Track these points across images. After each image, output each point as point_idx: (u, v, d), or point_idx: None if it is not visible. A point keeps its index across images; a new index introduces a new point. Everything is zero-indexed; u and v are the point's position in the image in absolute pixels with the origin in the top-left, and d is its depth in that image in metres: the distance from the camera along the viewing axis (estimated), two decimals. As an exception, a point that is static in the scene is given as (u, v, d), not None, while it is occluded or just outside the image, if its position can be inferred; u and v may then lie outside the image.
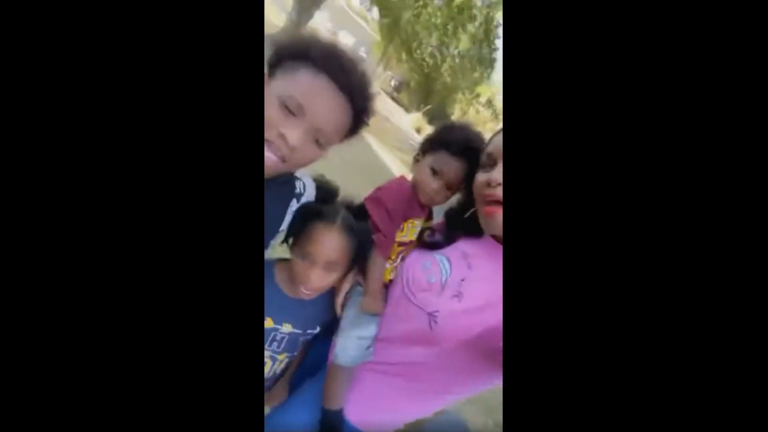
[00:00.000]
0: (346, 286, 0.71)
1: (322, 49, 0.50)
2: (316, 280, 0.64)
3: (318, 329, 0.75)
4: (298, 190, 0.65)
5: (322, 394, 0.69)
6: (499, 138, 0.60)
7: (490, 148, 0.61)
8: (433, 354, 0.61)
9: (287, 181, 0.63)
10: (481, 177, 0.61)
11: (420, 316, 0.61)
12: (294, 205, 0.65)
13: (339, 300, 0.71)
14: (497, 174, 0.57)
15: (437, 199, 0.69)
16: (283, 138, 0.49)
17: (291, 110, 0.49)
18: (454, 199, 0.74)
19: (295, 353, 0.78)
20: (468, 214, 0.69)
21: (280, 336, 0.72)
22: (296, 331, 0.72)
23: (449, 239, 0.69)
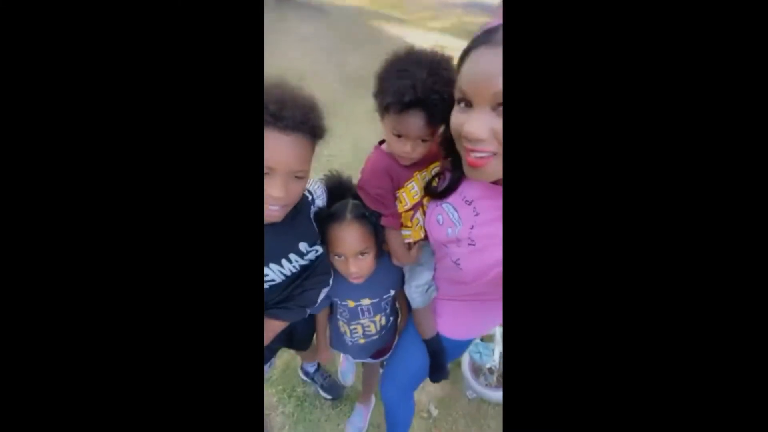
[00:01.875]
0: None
1: (270, 111, 0.52)
2: (356, 269, 0.73)
3: (392, 291, 0.86)
4: (310, 198, 0.72)
5: (417, 328, 0.85)
6: (471, 73, 0.47)
7: (461, 83, 0.49)
8: (475, 286, 0.65)
9: (300, 200, 0.69)
10: (458, 119, 0.50)
11: (451, 265, 0.66)
12: (314, 211, 0.73)
13: (395, 257, 0.79)
14: (475, 126, 0.47)
15: (416, 156, 0.63)
16: (270, 197, 0.56)
17: (265, 171, 0.54)
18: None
19: (388, 309, 0.92)
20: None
21: (365, 308, 0.86)
22: (374, 300, 0.85)
23: (455, 181, 0.65)
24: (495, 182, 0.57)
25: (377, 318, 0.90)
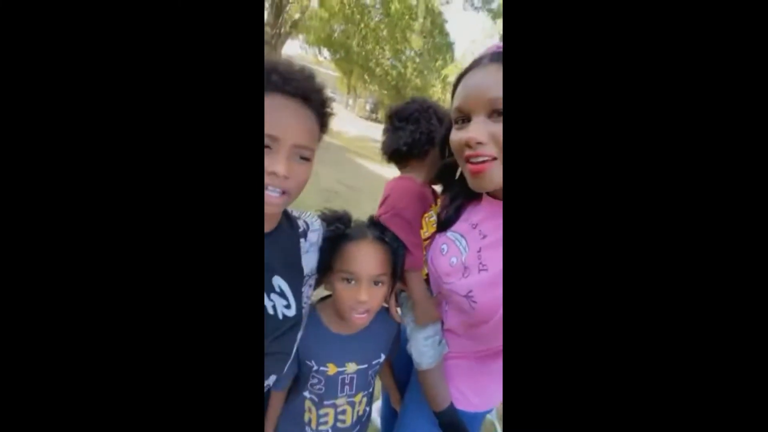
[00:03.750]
0: (392, 299, 0.71)
1: (279, 73, 0.50)
2: (368, 297, 0.62)
3: (383, 356, 0.72)
4: (301, 229, 0.64)
5: (428, 401, 0.67)
6: (466, 88, 0.53)
7: (456, 103, 0.54)
8: (493, 329, 0.56)
9: (287, 225, 0.62)
10: (456, 135, 0.54)
11: (462, 301, 0.59)
12: (304, 245, 0.64)
13: (393, 310, 0.71)
14: (474, 132, 0.51)
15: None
16: (273, 174, 0.48)
17: (265, 145, 0.48)
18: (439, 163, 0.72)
19: (371, 389, 0.74)
20: (458, 174, 0.65)
21: (348, 377, 0.69)
22: (362, 366, 0.69)
23: (457, 209, 0.66)
24: (497, 198, 0.59)
25: (357, 398, 0.71)
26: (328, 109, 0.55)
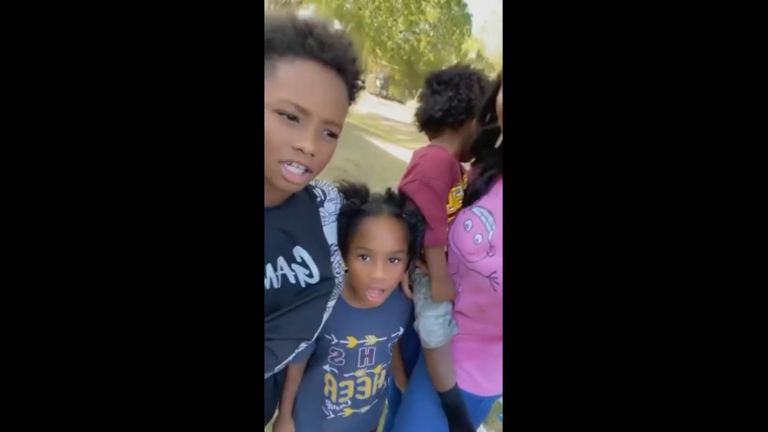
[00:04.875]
0: (405, 275, 0.68)
1: (315, 37, 0.45)
2: (383, 275, 0.60)
3: (401, 329, 0.71)
4: (319, 198, 0.61)
5: (432, 380, 0.66)
6: None
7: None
8: None
9: (305, 196, 0.59)
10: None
11: (483, 281, 0.56)
12: (323, 214, 0.61)
13: (405, 284, 0.69)
14: None
15: None
16: (300, 151, 0.45)
17: (293, 117, 0.44)
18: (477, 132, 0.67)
19: (389, 362, 0.74)
20: (498, 143, 0.60)
21: (368, 349, 0.68)
22: (381, 339, 0.69)
23: (488, 181, 0.61)
24: None
25: (377, 370, 0.71)
26: (360, 82, 0.51)
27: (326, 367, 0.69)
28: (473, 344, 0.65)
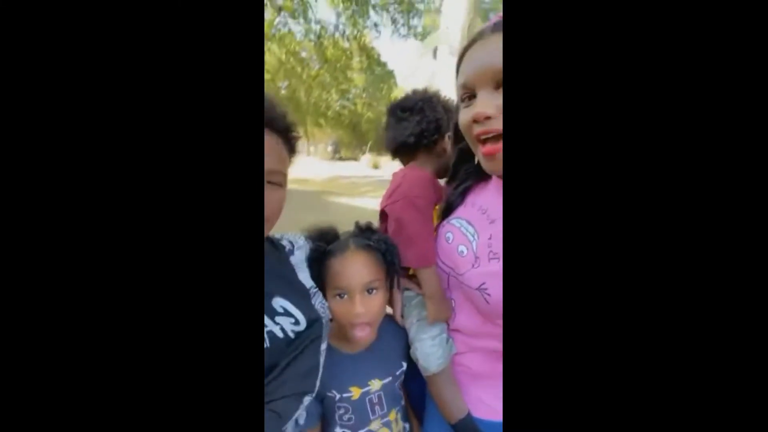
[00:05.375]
0: (398, 297, 0.66)
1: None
2: (363, 308, 0.58)
3: (404, 364, 0.68)
4: (287, 248, 0.61)
5: (442, 412, 0.61)
6: (470, 63, 0.52)
7: (461, 80, 0.53)
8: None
9: (271, 248, 0.60)
10: (464, 114, 0.52)
11: (474, 294, 0.55)
12: (295, 261, 0.61)
13: (398, 312, 0.66)
14: (481, 106, 0.49)
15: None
16: None
17: None
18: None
19: (402, 403, 0.69)
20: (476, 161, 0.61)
21: (376, 396, 0.64)
22: (386, 380, 0.65)
23: (463, 192, 0.63)
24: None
25: (392, 417, 0.66)
26: (294, 133, 0.56)
27: (338, 429, 0.63)
28: (477, 364, 0.61)
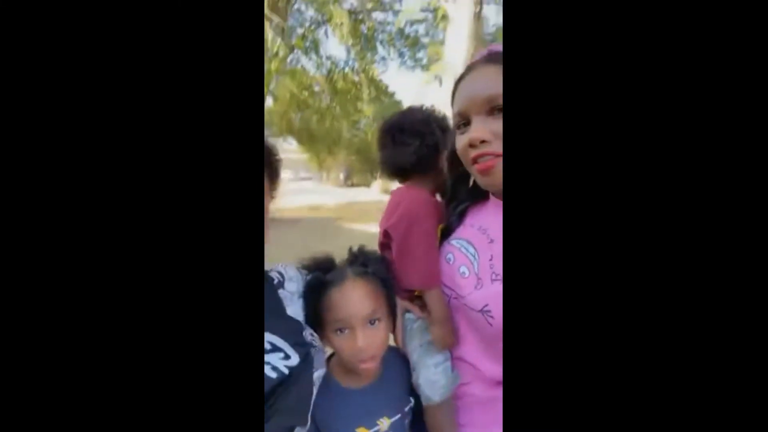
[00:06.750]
0: (399, 322, 0.65)
1: None
2: (366, 343, 0.57)
3: (412, 400, 0.65)
4: (276, 281, 0.61)
5: None
6: (463, 92, 0.55)
7: (456, 108, 0.56)
8: None
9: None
10: (460, 140, 0.55)
11: (477, 317, 0.54)
12: (285, 295, 0.60)
13: (398, 337, 0.65)
14: (475, 131, 0.52)
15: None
16: None
17: None
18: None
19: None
20: (471, 182, 0.63)
21: (385, 436, 0.61)
22: (395, 418, 0.62)
23: (462, 213, 0.64)
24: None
25: (403, 459, 0.62)
26: (275, 157, 0.57)
27: (347, 476, 0.60)
28: (481, 392, 0.59)
